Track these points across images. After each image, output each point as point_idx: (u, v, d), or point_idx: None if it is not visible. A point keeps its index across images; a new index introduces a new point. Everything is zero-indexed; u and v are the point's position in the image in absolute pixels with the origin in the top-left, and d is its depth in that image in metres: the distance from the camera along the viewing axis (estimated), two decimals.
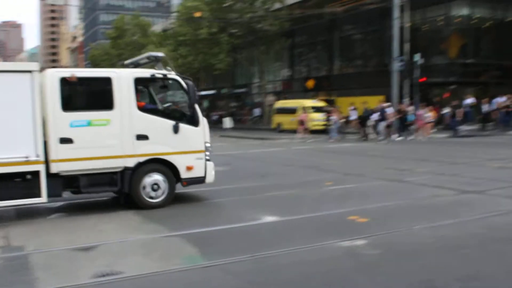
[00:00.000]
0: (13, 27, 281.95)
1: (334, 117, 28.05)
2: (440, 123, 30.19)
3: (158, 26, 75.88)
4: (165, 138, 9.90)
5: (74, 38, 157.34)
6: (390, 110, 27.00)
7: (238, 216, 9.01)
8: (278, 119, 38.36)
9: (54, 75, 9.13)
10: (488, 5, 36.01)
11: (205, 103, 59.97)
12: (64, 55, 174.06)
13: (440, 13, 36.83)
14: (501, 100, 29.20)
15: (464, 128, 28.84)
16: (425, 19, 37.78)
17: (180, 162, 10.00)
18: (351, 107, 29.87)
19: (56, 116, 9.01)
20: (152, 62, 10.59)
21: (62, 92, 9.07)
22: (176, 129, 9.92)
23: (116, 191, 9.94)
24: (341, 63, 45.54)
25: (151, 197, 9.79)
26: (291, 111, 35.25)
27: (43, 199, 8.93)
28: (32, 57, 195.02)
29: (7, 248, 7.37)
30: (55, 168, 9.03)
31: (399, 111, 27.72)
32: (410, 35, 30.39)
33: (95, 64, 69.39)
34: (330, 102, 38.19)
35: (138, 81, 9.86)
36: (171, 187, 10.00)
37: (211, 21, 43.13)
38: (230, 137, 33.17)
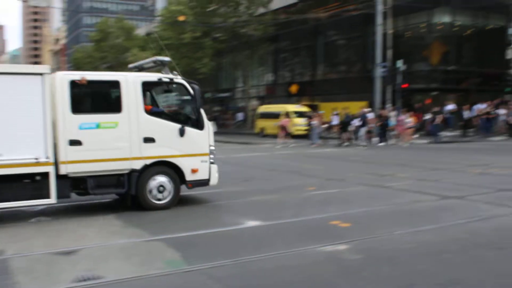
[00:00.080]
0: None
1: (315, 122, 28.18)
2: (422, 129, 30.47)
3: (142, 29, 75.73)
4: (171, 141, 10.05)
5: (57, 40, 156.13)
6: (370, 116, 27.20)
7: (221, 221, 9.00)
8: (261, 123, 38.41)
9: (64, 78, 9.28)
10: (470, 13, 36.45)
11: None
12: (47, 58, 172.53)
13: (422, 20, 37.20)
14: (481, 107, 29.57)
15: (445, 134, 29.15)
16: (408, 26, 38.13)
17: (185, 165, 10.17)
18: (334, 112, 30.04)
19: (65, 118, 9.17)
20: (158, 66, 10.74)
21: (72, 95, 9.21)
22: (182, 132, 10.08)
23: (122, 193, 9.99)
24: (325, 69, 45.73)
25: (157, 199, 9.93)
26: (275, 116, 35.30)
27: (52, 200, 9.06)
28: (14, 59, 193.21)
29: None
30: (64, 169, 9.17)
31: (380, 117, 27.94)
32: (393, 42, 30.67)
33: (77, 67, 68.89)
34: (313, 108, 38.33)
35: (146, 85, 10.05)
36: (176, 189, 10.14)
37: (195, 25, 43.07)
38: None
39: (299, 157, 21.63)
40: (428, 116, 29.72)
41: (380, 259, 6.49)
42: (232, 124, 51.65)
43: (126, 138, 9.64)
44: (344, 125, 27.66)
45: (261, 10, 43.29)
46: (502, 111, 29.69)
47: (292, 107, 37.15)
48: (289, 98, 45.92)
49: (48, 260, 6.83)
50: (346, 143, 27.13)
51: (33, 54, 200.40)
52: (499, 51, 31.64)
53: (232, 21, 42.52)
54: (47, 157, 8.92)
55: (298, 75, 48.99)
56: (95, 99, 10.02)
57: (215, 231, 8.28)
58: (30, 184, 8.93)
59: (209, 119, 10.81)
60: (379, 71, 30.27)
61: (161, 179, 9.96)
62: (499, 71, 32.35)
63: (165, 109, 11.03)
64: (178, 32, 44.40)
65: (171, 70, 10.52)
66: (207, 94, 60.55)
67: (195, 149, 10.29)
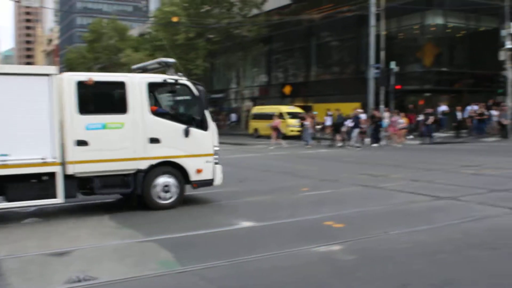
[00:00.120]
0: None
1: (307, 122, 28.25)
2: (416, 130, 30.57)
3: (135, 30, 75.57)
4: (176, 142, 10.17)
5: (50, 41, 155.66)
6: (363, 117, 27.27)
7: (215, 221, 8.98)
8: (255, 124, 38.42)
9: (71, 79, 9.38)
10: (462, 15, 36.59)
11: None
12: (39, 58, 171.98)
13: (415, 22, 37.32)
14: (474, 108, 29.69)
15: (438, 135, 29.26)
16: (401, 28, 38.25)
17: (190, 165, 10.28)
18: (328, 113, 30.09)
19: (72, 118, 9.25)
20: (162, 68, 10.84)
21: (79, 96, 9.30)
22: (186, 133, 10.21)
23: (128, 192, 10.06)
24: (318, 70, 45.79)
25: (162, 199, 10.05)
26: (268, 116, 35.30)
27: (59, 200, 9.16)
28: (6, 59, 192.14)
29: None
30: (71, 169, 9.24)
31: (373, 117, 28.01)
32: (386, 43, 30.74)
33: (70, 68, 68.69)
34: (307, 109, 38.37)
35: (151, 86, 10.17)
36: (181, 189, 10.27)
37: (189, 26, 43.03)
38: None
39: (293, 158, 21.64)
40: (420, 118, 29.81)
41: (374, 260, 6.50)
42: (225, 125, 51.64)
43: (132, 138, 9.75)
44: (336, 126, 27.72)
45: (255, 11, 43.31)
46: (494, 112, 29.83)
47: (285, 108, 37.21)
48: (282, 99, 45.96)
49: (41, 261, 6.79)
50: (339, 144, 27.17)
51: (25, 54, 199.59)
52: (491, 52, 31.72)
53: (225, 22, 42.51)
54: (54, 157, 9.01)
55: (292, 76, 49.04)
56: (101, 100, 10.08)
57: (209, 231, 8.26)
58: (37, 184, 9.03)
59: None
60: (372, 73, 30.33)
61: (166, 179, 10.06)
62: (491, 73, 32.46)
63: (170, 109, 11.08)
64: (171, 33, 44.35)
65: (176, 71, 10.64)
66: None
67: (199, 150, 10.42)
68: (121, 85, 9.76)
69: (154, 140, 9.91)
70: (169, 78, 10.26)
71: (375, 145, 26.96)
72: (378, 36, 30.10)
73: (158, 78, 10.39)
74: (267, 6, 43.36)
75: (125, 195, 10.57)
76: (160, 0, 55.86)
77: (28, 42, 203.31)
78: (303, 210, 9.84)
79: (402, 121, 27.50)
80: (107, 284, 5.78)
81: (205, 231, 8.27)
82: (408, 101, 36.37)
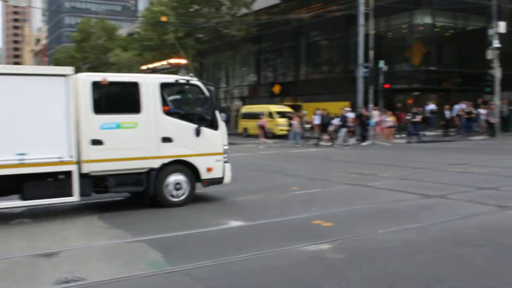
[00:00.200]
0: None
1: (294, 122, 28.35)
2: (405, 128, 30.68)
3: (123, 30, 75.28)
4: (187, 141, 10.38)
5: (38, 40, 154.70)
6: (351, 116, 27.37)
7: (204, 221, 8.97)
8: (244, 124, 38.43)
9: (86, 79, 9.56)
10: (450, 14, 36.81)
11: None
12: (27, 58, 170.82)
13: (403, 21, 37.50)
14: (462, 106, 29.87)
15: (427, 133, 29.40)
16: (389, 27, 38.42)
17: (201, 164, 10.50)
18: (317, 112, 30.17)
19: (88, 118, 9.41)
20: (173, 68, 11.16)
21: (94, 96, 9.48)
22: (198, 132, 10.43)
23: (141, 191, 10.18)
24: (307, 69, 45.88)
25: (174, 196, 10.26)
26: (258, 116, 35.37)
27: (75, 198, 9.29)
28: None
29: None
30: (86, 168, 9.40)
31: (360, 116, 28.11)
32: (375, 42, 30.82)
33: None
34: (296, 108, 38.43)
35: (163, 86, 10.36)
36: (192, 187, 10.48)
37: (177, 26, 42.92)
38: None
39: (282, 157, 21.66)
40: (408, 117, 29.95)
41: (363, 258, 6.52)
42: None
43: (145, 137, 9.94)
44: (323, 125, 27.83)
45: (244, 10, 43.27)
46: (482, 111, 30.02)
47: (275, 108, 37.24)
48: (272, 98, 45.99)
49: (29, 263, 6.75)
50: (328, 143, 27.25)
51: (13, 54, 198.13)
52: (479, 51, 31.92)
53: (214, 22, 42.45)
54: (71, 156, 9.15)
55: (281, 76, 49.10)
56: (115, 100, 10.29)
57: (198, 231, 8.25)
58: (53, 182, 9.19)
59: None
60: (361, 72, 30.41)
61: (178, 177, 10.27)
62: (479, 72, 32.65)
63: (181, 109, 11.27)
64: (160, 33, 44.21)
65: (187, 71, 10.96)
66: None
67: (210, 149, 10.63)
68: (134, 85, 9.96)
69: (166, 139, 10.11)
70: (181, 78, 10.52)
71: (363, 143, 27.06)
72: (367, 35, 30.18)
73: (170, 78, 10.61)
74: (256, 6, 43.34)
75: (134, 193, 10.75)
76: (148, 0, 55.64)
77: (16, 42, 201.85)
78: (293, 209, 9.85)
79: (389, 119, 27.63)
80: (96, 285, 5.75)
81: (194, 231, 8.26)
82: (397, 100, 36.54)
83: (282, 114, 35.10)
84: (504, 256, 6.55)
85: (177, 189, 10.26)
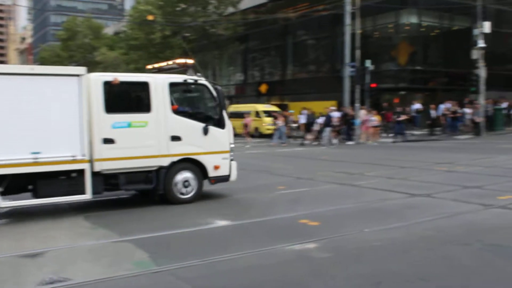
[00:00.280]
0: None
1: (279, 121, 28.44)
2: (393, 128, 30.80)
3: (110, 28, 74.88)
4: (195, 139, 10.66)
5: (23, 39, 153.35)
6: (336, 115, 27.46)
7: (190, 220, 8.95)
8: (231, 123, 38.32)
9: (98, 79, 9.75)
10: (436, 14, 37.03)
11: None
12: (13, 57, 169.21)
13: (390, 21, 37.67)
14: (447, 106, 30.06)
15: (412, 133, 29.56)
16: (376, 27, 38.58)
17: (208, 162, 10.78)
18: (302, 111, 30.23)
19: (100, 117, 9.62)
20: (180, 68, 11.38)
21: (105, 95, 9.68)
22: (205, 131, 10.73)
23: (150, 188, 10.39)
24: (294, 68, 45.94)
25: (182, 193, 10.51)
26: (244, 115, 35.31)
27: (87, 196, 9.48)
28: None
29: None
30: (98, 166, 9.60)
31: (345, 115, 28.20)
32: (361, 42, 30.93)
33: None
34: (283, 107, 38.48)
35: (172, 86, 10.57)
36: (200, 184, 10.76)
37: (164, 24, 42.77)
38: None
39: (269, 156, 21.67)
40: (394, 116, 30.09)
41: (349, 257, 6.55)
42: None
43: (155, 136, 10.17)
44: (307, 125, 27.93)
45: (231, 9, 43.23)
46: (468, 110, 30.24)
47: (262, 107, 37.26)
48: (259, 97, 46.02)
49: (13, 263, 6.69)
50: (314, 143, 27.31)
51: None
52: (464, 51, 32.14)
53: (201, 21, 42.36)
54: (83, 155, 9.35)
55: (268, 75, 49.13)
56: (126, 99, 10.57)
57: (184, 231, 8.23)
58: (66, 180, 9.38)
59: None
60: (348, 71, 30.48)
61: (187, 174, 10.52)
62: (464, 71, 32.86)
63: (190, 108, 11.43)
64: (147, 32, 44.05)
65: (195, 71, 11.15)
66: None
67: (217, 147, 10.92)
68: (145, 85, 10.17)
69: (175, 138, 10.35)
70: (189, 78, 10.76)
71: (349, 142, 27.16)
72: (353, 35, 30.27)
73: (179, 78, 10.79)
74: (243, 5, 43.35)
75: (142, 191, 10.98)
76: None
77: (0, 40, 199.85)
78: (279, 208, 9.86)
79: (374, 119, 27.75)
80: (81, 285, 5.72)
81: (180, 231, 8.24)
82: (383, 99, 36.70)
83: (269, 114, 35.13)
84: (489, 254, 6.60)
85: (186, 187, 10.51)
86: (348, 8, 30.43)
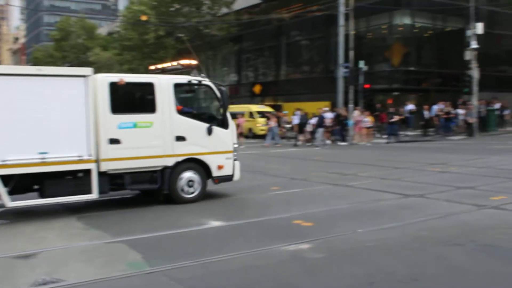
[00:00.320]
0: None
1: (272, 122, 28.46)
2: (386, 129, 30.87)
3: (103, 29, 74.70)
4: (200, 139, 10.77)
5: (16, 39, 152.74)
6: (329, 116, 27.50)
7: (184, 221, 8.94)
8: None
9: (104, 80, 9.84)
10: (429, 15, 37.14)
11: None
12: (5, 57, 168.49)
13: (383, 22, 37.73)
14: (440, 107, 30.16)
15: (406, 133, 29.62)
16: (369, 28, 38.64)
17: (212, 162, 10.89)
18: (296, 112, 30.27)
19: (106, 118, 9.71)
20: (183, 69, 11.43)
21: (111, 96, 9.76)
22: (209, 131, 10.83)
23: (155, 188, 10.46)
24: (288, 69, 45.96)
25: (187, 193, 10.61)
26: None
27: (94, 195, 9.58)
28: None
29: None
30: (104, 166, 9.69)
31: (339, 116, 28.24)
32: (355, 43, 31.00)
33: None
34: (277, 108, 38.49)
35: (177, 86, 10.66)
36: (204, 184, 10.86)
37: (157, 25, 42.71)
38: None
39: (262, 157, 21.67)
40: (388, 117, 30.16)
41: (343, 258, 6.56)
42: None
43: (160, 136, 10.28)
44: (300, 125, 27.97)
45: (225, 10, 43.21)
46: (461, 111, 30.35)
47: (255, 107, 37.26)
48: (252, 98, 46.00)
49: (5, 264, 6.66)
50: (308, 143, 27.34)
51: None
52: (457, 52, 32.27)
53: (195, 21, 42.32)
54: (90, 155, 9.43)
55: (262, 75, 49.13)
56: (132, 100, 10.70)
57: (178, 231, 8.22)
58: (73, 180, 9.48)
59: None
60: (341, 72, 30.53)
61: (191, 174, 10.64)
62: (457, 72, 32.98)
63: (194, 109, 11.65)
64: (140, 32, 43.97)
65: (199, 72, 11.14)
66: None
67: (221, 147, 11.03)
68: (150, 85, 10.28)
69: (180, 138, 10.45)
70: (194, 79, 10.84)
71: (342, 143, 27.20)
72: (347, 36, 30.32)
73: (183, 79, 10.87)
74: (237, 5, 43.33)
75: (145, 191, 11.07)
76: None
77: None
78: (273, 209, 9.86)
79: (367, 119, 27.81)
80: (74, 286, 5.70)
81: (174, 231, 8.23)
82: (377, 100, 36.76)
83: (262, 114, 35.15)
84: (482, 255, 6.63)
85: (190, 186, 10.61)
86: (342, 9, 30.48)
